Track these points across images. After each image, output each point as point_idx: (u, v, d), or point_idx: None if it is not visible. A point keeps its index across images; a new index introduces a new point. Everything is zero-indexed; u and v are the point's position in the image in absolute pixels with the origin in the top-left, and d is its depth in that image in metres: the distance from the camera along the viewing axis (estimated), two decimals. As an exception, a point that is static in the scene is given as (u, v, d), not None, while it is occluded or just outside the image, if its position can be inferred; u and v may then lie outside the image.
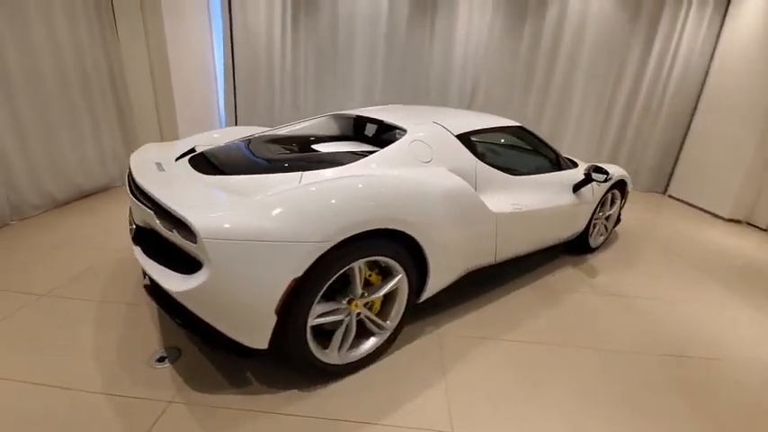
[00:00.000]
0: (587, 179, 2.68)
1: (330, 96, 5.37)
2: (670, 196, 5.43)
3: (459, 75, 5.24)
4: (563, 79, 5.23)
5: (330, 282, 1.52)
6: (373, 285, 1.77)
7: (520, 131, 2.72)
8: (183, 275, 1.39)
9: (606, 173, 2.57)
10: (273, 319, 1.42)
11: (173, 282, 1.38)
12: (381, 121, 2.39)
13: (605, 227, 3.37)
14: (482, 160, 2.25)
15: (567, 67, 5.15)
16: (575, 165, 3.15)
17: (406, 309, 1.87)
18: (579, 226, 2.93)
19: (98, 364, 1.73)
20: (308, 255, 1.40)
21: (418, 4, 5.01)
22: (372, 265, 1.76)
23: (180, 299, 1.36)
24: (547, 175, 2.64)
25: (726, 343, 2.24)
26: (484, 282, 2.62)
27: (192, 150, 2.16)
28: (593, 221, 3.15)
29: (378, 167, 1.83)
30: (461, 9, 4.99)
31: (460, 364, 1.90)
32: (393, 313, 1.86)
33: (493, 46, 5.13)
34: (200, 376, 1.70)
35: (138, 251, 1.66)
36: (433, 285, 1.98)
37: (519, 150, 3.08)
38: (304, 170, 1.72)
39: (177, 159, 2.00)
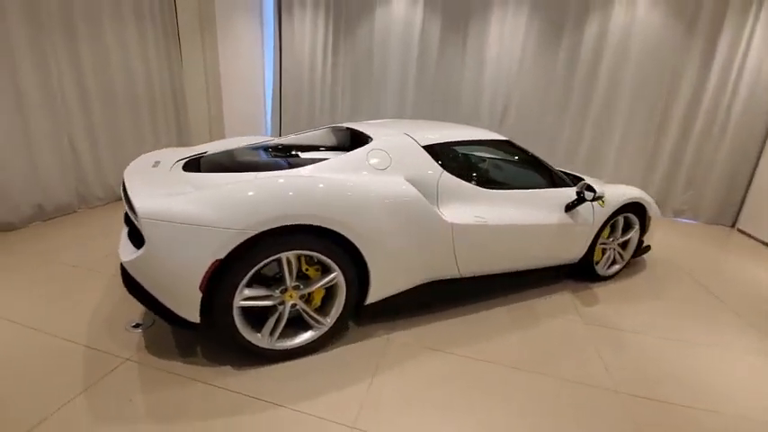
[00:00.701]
0: (580, 198, 2.51)
1: (364, 114, 5.67)
2: (739, 230, 4.66)
3: (490, 94, 5.20)
4: (604, 98, 4.88)
5: (257, 268, 1.68)
6: (311, 279, 1.89)
7: (506, 146, 2.66)
8: (134, 249, 1.66)
9: (593, 191, 2.39)
10: (199, 295, 1.61)
11: (125, 253, 1.67)
12: (361, 133, 2.54)
13: (620, 255, 3.05)
14: (450, 171, 2.27)
15: (608, 84, 4.81)
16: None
17: (346, 308, 1.95)
18: (576, 249, 2.72)
19: (87, 321, 2.09)
20: (230, 240, 1.58)
21: (450, 25, 5.13)
22: (312, 261, 1.89)
23: (126, 267, 1.64)
24: (530, 191, 2.52)
25: (732, 396, 1.90)
26: (462, 296, 2.57)
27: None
28: (602, 247, 2.90)
29: (326, 171, 1.97)
30: (493, 28, 4.99)
31: (396, 368, 1.90)
32: (332, 310, 1.95)
33: (526, 64, 5.01)
34: (159, 344, 1.96)
35: (123, 231, 2.00)
36: (380, 289, 2.03)
37: (504, 165, 2.97)
38: (261, 170, 1.94)
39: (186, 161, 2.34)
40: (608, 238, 2.92)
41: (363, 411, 1.63)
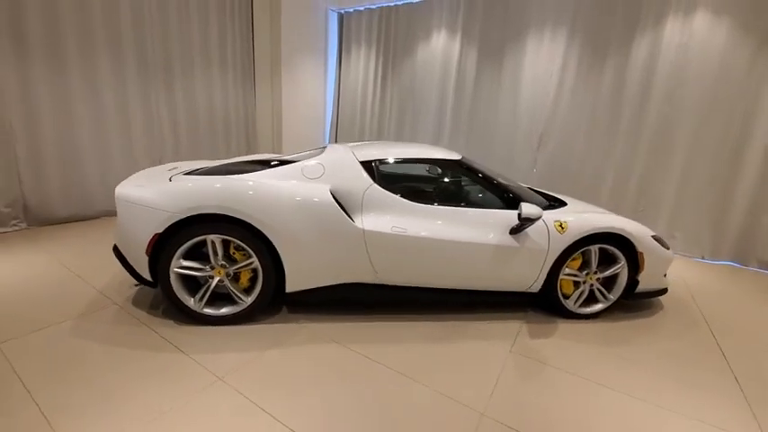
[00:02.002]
0: (522, 221, 2.40)
1: (406, 133, 6.03)
2: None
3: (525, 122, 5.03)
4: (658, 125, 4.28)
5: (189, 243, 2.19)
6: (237, 262, 2.33)
7: (455, 165, 2.73)
8: (120, 222, 2.36)
9: (520, 215, 2.32)
10: (146, 259, 2.20)
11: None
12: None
13: (601, 292, 2.71)
14: (380, 184, 2.49)
15: (663, 110, 4.22)
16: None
17: (264, 291, 2.32)
18: (526, 276, 2.56)
19: (112, 276, 2.90)
20: (167, 219, 2.14)
21: (486, 53, 5.21)
22: (240, 247, 2.32)
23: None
24: (468, 209, 2.52)
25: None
26: (403, 306, 2.68)
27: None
28: (574, 280, 2.65)
29: (266, 177, 2.42)
30: (528, 55, 4.89)
31: (292, 349, 2.17)
32: (253, 292, 2.34)
33: (564, 91, 4.74)
34: (142, 299, 2.62)
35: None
36: (296, 280, 2.35)
37: (448, 183, 2.95)
38: (224, 174, 2.49)
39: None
40: (580, 270, 2.65)
41: (238, 371, 1.96)
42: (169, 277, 2.23)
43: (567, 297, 2.69)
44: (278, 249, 2.26)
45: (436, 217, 2.48)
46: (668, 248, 2.82)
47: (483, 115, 5.36)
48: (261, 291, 2.33)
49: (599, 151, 4.67)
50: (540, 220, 2.53)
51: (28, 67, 3.58)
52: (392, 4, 5.77)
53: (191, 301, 2.30)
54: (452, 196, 2.82)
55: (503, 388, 1.97)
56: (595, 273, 2.66)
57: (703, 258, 4.27)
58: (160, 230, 2.16)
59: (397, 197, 2.48)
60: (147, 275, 2.27)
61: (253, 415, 1.70)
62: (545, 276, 2.58)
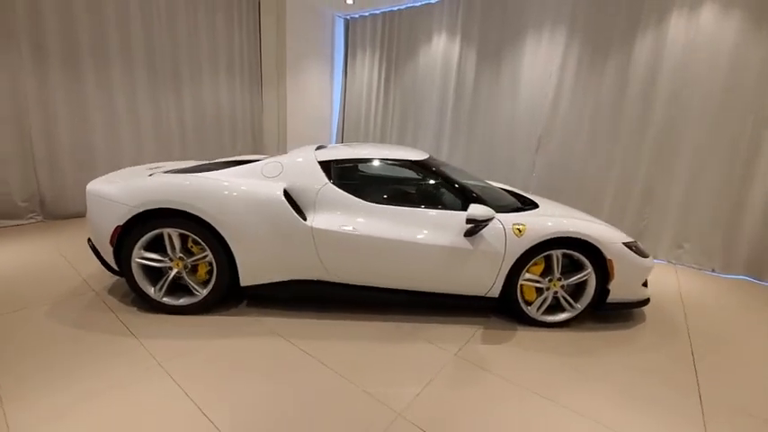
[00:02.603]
0: (474, 223, 2.34)
1: (409, 141, 6.03)
2: None
3: (524, 125, 4.88)
4: (664, 127, 4.01)
5: (148, 235, 2.34)
6: (194, 255, 2.45)
7: (414, 165, 2.71)
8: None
9: (472, 216, 2.26)
10: (110, 249, 2.37)
11: (89, 217, 2.57)
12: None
13: (567, 300, 2.58)
14: (336, 183, 2.53)
15: (669, 112, 3.95)
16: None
17: (218, 284, 2.42)
18: (482, 280, 2.49)
19: (98, 267, 3.13)
20: (127, 213, 2.29)
21: (485, 55, 5.12)
22: (198, 241, 2.44)
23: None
24: (424, 210, 2.50)
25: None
26: (358, 305, 2.70)
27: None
28: (540, 287, 2.54)
29: (228, 175, 2.52)
30: (526, 56, 4.75)
31: (234, 339, 2.25)
32: (209, 284, 2.44)
33: (564, 92, 4.56)
34: (120, 286, 2.80)
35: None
36: (249, 275, 2.43)
37: (407, 184, 2.90)
38: (191, 173, 2.64)
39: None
40: (542, 276, 2.54)
41: (179, 358, 2.05)
42: (131, 267, 2.39)
43: (529, 304, 2.58)
44: (229, 244, 2.35)
45: (389, 217, 2.48)
46: (646, 256, 2.64)
47: (483, 117, 5.27)
48: (215, 284, 2.43)
49: (601, 154, 4.44)
50: (498, 223, 2.46)
51: (45, 74, 3.96)
52: (395, 8, 5.83)
53: (151, 290, 2.44)
54: (411, 197, 2.80)
55: (432, 391, 1.93)
56: (559, 279, 2.54)
57: (714, 271, 3.93)
58: (121, 223, 2.32)
59: (351, 196, 2.51)
60: (113, 264, 2.44)
61: (178, 400, 1.78)
62: (503, 281, 2.50)
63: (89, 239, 2.59)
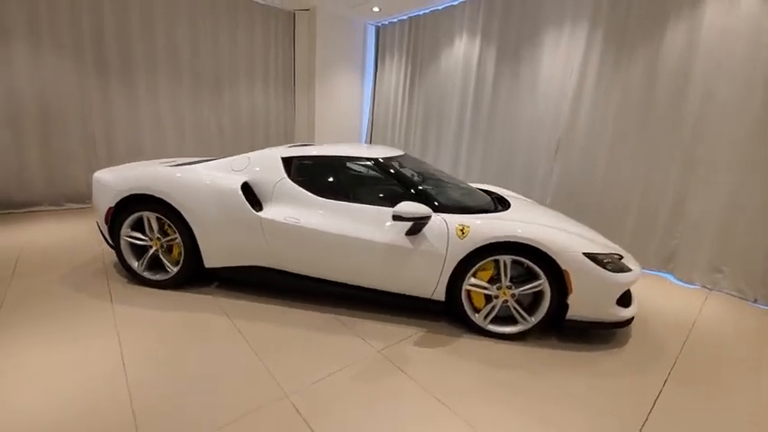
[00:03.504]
0: (400, 220, 2.29)
1: (432, 144, 5.98)
2: None
3: (543, 127, 4.55)
4: (698, 130, 3.45)
5: (132, 217, 2.72)
6: (169, 236, 2.78)
7: (369, 164, 2.74)
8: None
9: (397, 213, 2.25)
10: (106, 226, 2.80)
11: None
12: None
13: (518, 312, 2.37)
14: (293, 178, 2.69)
15: (705, 112, 3.39)
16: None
17: (185, 264, 2.71)
18: (424, 281, 2.42)
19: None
20: (116, 196, 2.70)
21: (503, 54, 4.90)
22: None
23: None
24: (370, 207, 2.51)
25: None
26: (320, 298, 2.81)
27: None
28: (485, 293, 2.39)
29: (207, 168, 2.82)
30: (545, 55, 4.44)
31: (185, 311, 2.50)
32: (178, 263, 2.75)
33: (585, 92, 4.16)
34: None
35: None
36: (211, 258, 2.69)
37: (364, 181, 2.86)
38: (179, 165, 3.01)
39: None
40: (491, 282, 2.38)
41: (132, 324, 2.36)
42: (119, 243, 2.80)
43: (478, 311, 2.44)
44: (193, 229, 2.63)
45: (336, 212, 2.56)
46: (623, 270, 2.32)
47: (501, 120, 5.04)
48: (182, 263, 2.74)
49: (625, 160, 3.97)
50: (443, 223, 2.39)
51: (106, 84, 4.78)
52: (420, 12, 5.87)
53: (135, 265, 2.83)
54: (363, 194, 2.79)
55: (333, 380, 1.95)
56: (509, 288, 2.36)
57: (756, 302, 3.26)
58: (112, 204, 2.74)
59: (303, 190, 2.64)
60: (111, 240, 2.89)
61: (109, 354, 2.05)
62: (446, 284, 2.41)
63: (96, 220, 3.09)
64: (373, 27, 6.70)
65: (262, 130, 6.30)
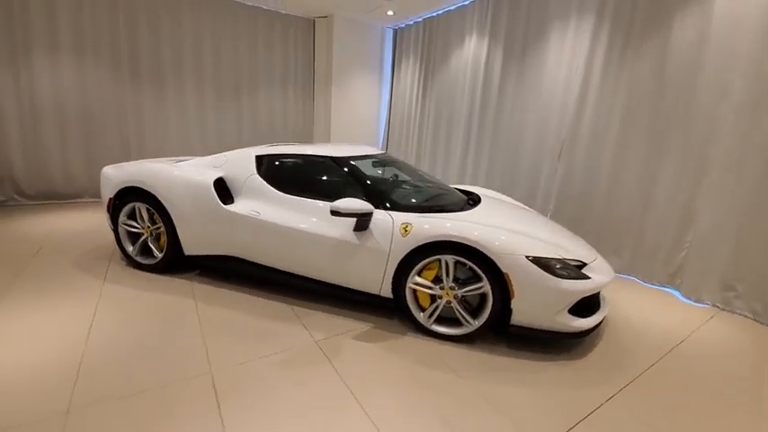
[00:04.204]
0: (337, 215, 2.35)
1: (442, 145, 5.92)
2: None
3: (549, 126, 4.34)
4: (708, 127, 3.11)
5: (126, 207, 3.06)
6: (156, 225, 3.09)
7: (330, 161, 2.83)
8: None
9: (334, 208, 2.30)
10: (108, 215, 3.18)
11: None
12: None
13: (461, 313, 2.32)
14: (262, 175, 2.87)
15: (716, 109, 3.05)
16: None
17: (168, 250, 2.99)
18: (370, 277, 2.46)
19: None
20: (115, 187, 3.06)
21: (510, 53, 4.75)
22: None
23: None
24: (325, 202, 2.59)
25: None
26: (286, 289, 2.97)
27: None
28: (430, 293, 2.38)
29: (188, 164, 3.11)
30: (551, 52, 4.22)
31: (159, 294, 2.77)
32: (162, 249, 3.04)
33: (592, 88, 3.90)
34: (131, 247, 3.69)
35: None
36: (189, 246, 2.94)
37: (326, 178, 2.92)
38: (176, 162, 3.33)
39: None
40: (435, 282, 2.36)
41: (110, 299, 2.67)
42: (117, 229, 3.17)
43: (424, 310, 2.43)
44: (173, 219, 2.91)
45: (295, 207, 2.68)
46: (576, 278, 2.19)
47: (507, 120, 4.88)
48: (166, 250, 3.02)
49: (631, 161, 3.67)
50: (389, 221, 2.42)
51: (138, 90, 5.37)
52: (434, 14, 5.86)
53: (130, 249, 3.18)
54: (323, 190, 2.85)
55: (259, 364, 2.07)
56: (452, 288, 2.32)
57: (771, 325, 2.86)
58: (111, 195, 3.10)
59: (268, 186, 2.80)
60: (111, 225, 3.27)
61: (79, 326, 2.32)
62: (390, 281, 2.43)
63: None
64: (391, 30, 6.79)
65: (280, 133, 6.65)
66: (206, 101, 5.89)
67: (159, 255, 3.08)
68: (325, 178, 2.89)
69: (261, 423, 1.68)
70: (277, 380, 1.96)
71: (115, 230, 3.18)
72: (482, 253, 2.19)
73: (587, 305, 2.39)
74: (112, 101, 5.22)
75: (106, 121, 5.21)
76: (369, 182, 2.71)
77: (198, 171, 2.97)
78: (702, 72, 3.15)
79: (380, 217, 2.47)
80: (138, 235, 3.18)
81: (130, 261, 3.20)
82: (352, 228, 2.48)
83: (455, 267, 2.31)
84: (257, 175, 2.87)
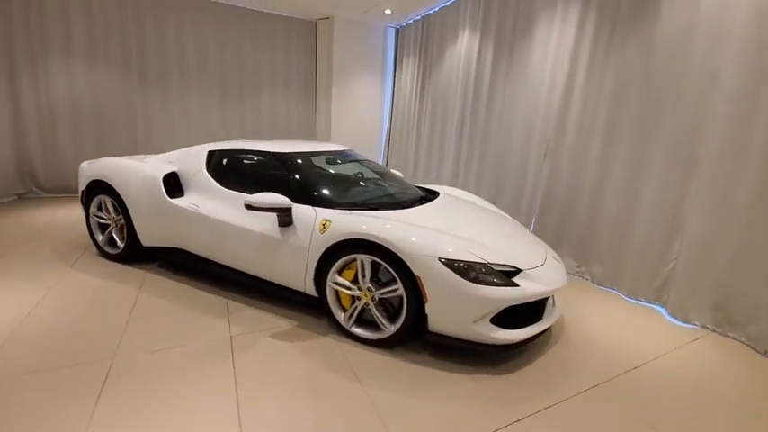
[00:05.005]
0: (250, 209, 2.33)
1: (436, 144, 5.73)
2: None
3: (535, 124, 4.04)
4: (698, 120, 2.73)
5: (95, 200, 3.24)
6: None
7: (270, 157, 2.82)
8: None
9: (248, 202, 2.29)
10: (81, 207, 3.38)
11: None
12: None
13: (378, 317, 2.19)
14: (209, 170, 2.93)
15: (705, 99, 2.67)
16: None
17: (128, 242, 3.12)
18: (293, 274, 2.40)
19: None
20: (85, 181, 3.25)
21: (499, 48, 4.51)
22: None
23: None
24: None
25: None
26: (228, 283, 2.99)
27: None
28: (351, 294, 2.28)
29: (150, 159, 3.24)
30: (537, 48, 3.93)
31: (111, 281, 2.89)
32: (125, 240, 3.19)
33: (577, 82, 3.58)
34: (112, 238, 3.91)
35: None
36: (144, 237, 3.05)
37: (269, 175, 2.87)
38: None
39: None
40: (353, 282, 2.25)
41: (66, 284, 2.83)
42: (89, 221, 3.36)
43: (345, 311, 2.33)
44: (129, 211, 3.03)
45: (232, 201, 2.69)
46: (493, 284, 2.00)
47: (497, 118, 4.63)
48: (126, 240, 3.16)
49: (617, 159, 3.32)
50: (312, 217, 2.35)
51: (146, 91, 5.72)
52: (431, 10, 5.71)
53: (99, 239, 3.36)
54: (263, 186, 2.70)
55: (164, 354, 2.08)
56: (370, 290, 2.21)
57: (766, 355, 2.43)
58: (83, 188, 3.30)
59: (212, 181, 2.85)
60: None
61: (25, 306, 2.48)
62: (312, 279, 2.35)
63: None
64: (393, 30, 6.72)
65: (283, 134, 6.80)
66: (210, 102, 6.16)
67: (121, 245, 3.23)
68: (264, 174, 2.89)
69: (128, 416, 1.67)
70: (173, 372, 1.96)
71: (87, 221, 3.38)
72: (395, 253, 2.07)
73: (529, 315, 2.18)
74: (122, 103, 5.61)
75: (116, 122, 5.60)
76: (298, 177, 2.67)
77: (155, 166, 3.08)
78: (692, 59, 2.78)
79: (306, 213, 2.42)
80: (107, 226, 3.36)
81: (99, 250, 3.39)
82: (276, 223, 2.45)
83: (372, 267, 2.19)
84: (204, 171, 2.93)
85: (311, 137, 7.09)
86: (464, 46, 5.06)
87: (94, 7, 5.23)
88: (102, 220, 3.32)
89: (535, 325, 2.18)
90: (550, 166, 3.90)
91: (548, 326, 2.26)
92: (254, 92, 6.48)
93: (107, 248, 3.33)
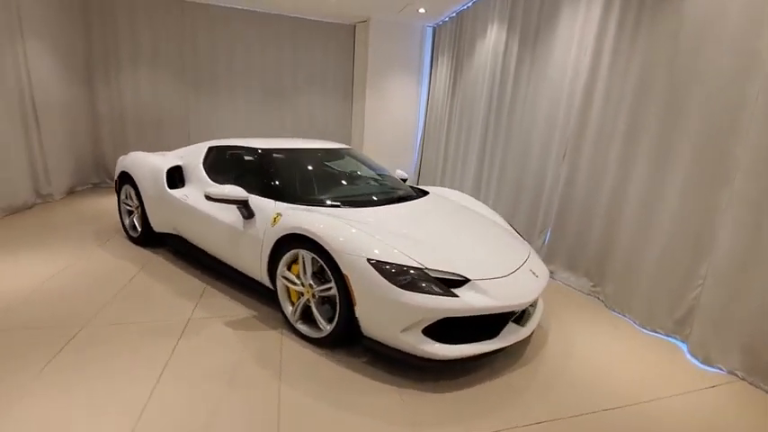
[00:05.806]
0: (209, 200, 2.43)
1: (462, 141, 5.46)
2: None
3: (557, 125, 3.62)
4: (731, 119, 2.18)
5: (123, 187, 3.69)
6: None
7: (255, 153, 2.90)
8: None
9: (207, 193, 2.39)
10: (116, 195, 3.88)
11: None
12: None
13: (317, 315, 2.15)
14: (205, 165, 3.15)
15: (740, 94, 2.12)
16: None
17: (144, 228, 3.49)
18: (250, 264, 2.46)
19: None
20: (117, 172, 3.72)
21: (523, 41, 4.13)
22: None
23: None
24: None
25: None
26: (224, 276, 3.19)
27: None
28: (297, 289, 2.27)
29: (169, 153, 3.58)
30: (558, 40, 3.50)
31: (120, 260, 3.25)
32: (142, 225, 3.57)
33: (600, 78, 3.12)
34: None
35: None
36: (155, 224, 3.38)
37: (251, 169, 2.95)
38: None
39: None
40: (298, 278, 2.23)
41: (59, 264, 3.26)
42: (120, 206, 3.84)
43: (293, 305, 2.33)
44: (143, 200, 3.39)
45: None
46: (424, 292, 1.84)
47: (519, 117, 4.26)
48: (142, 225, 3.54)
49: (640, 164, 2.84)
50: (270, 210, 2.40)
51: (197, 94, 6.36)
52: (465, 6, 5.45)
53: (126, 223, 3.81)
54: (248, 181, 2.84)
55: (124, 328, 2.29)
56: (311, 286, 2.17)
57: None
58: (116, 178, 3.77)
59: (204, 174, 3.06)
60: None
61: (45, 276, 2.91)
62: (266, 271, 2.39)
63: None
64: (430, 29, 6.57)
65: (320, 131, 7.07)
66: (253, 103, 6.67)
67: (140, 230, 3.63)
68: (245, 168, 3.01)
69: (69, 382, 1.84)
70: (120, 344, 2.13)
71: (118, 208, 3.87)
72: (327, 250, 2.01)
73: (486, 331, 1.97)
74: (177, 104, 6.34)
75: (172, 121, 6.34)
76: (270, 171, 2.74)
77: (165, 160, 3.40)
78: (725, 41, 2.26)
79: (267, 206, 2.48)
80: (132, 212, 3.80)
81: (126, 234, 3.85)
82: (240, 215, 2.54)
83: (312, 263, 2.16)
84: (201, 165, 3.16)
85: (347, 139, 7.25)
86: (492, 41, 4.75)
87: (158, 19, 5.97)
88: (128, 207, 3.77)
89: (480, 344, 1.94)
90: (569, 167, 3.46)
91: (500, 346, 2.00)
92: (294, 95, 6.86)
93: (131, 232, 3.77)
